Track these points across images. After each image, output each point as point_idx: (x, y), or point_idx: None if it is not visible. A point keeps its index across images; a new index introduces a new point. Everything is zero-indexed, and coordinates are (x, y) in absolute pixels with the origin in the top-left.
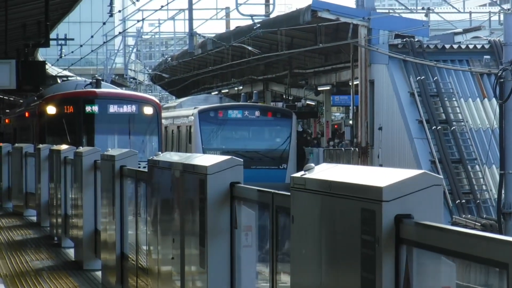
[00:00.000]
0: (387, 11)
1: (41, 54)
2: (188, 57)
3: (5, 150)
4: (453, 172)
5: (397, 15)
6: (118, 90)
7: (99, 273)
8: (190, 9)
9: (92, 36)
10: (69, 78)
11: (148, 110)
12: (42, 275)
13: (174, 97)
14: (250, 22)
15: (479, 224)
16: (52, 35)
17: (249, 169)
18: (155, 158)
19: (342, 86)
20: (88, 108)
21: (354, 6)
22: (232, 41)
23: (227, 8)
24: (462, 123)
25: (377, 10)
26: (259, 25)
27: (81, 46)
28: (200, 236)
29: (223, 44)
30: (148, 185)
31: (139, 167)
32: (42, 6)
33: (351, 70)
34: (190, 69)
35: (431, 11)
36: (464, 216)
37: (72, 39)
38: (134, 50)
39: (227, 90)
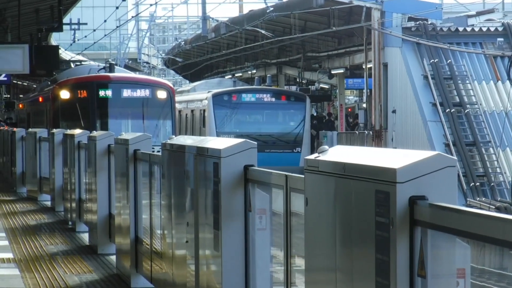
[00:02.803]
0: None
1: (54, 38)
2: (201, 41)
3: (19, 135)
4: (467, 155)
5: None
6: (132, 75)
7: (113, 257)
8: None
9: (105, 21)
10: (83, 63)
11: (161, 94)
12: (56, 260)
13: (187, 81)
14: (263, 5)
15: (494, 207)
16: (65, 19)
17: (263, 153)
18: (168, 141)
19: (355, 69)
20: (101, 93)
21: None
22: (245, 24)
23: None
24: (476, 106)
25: None
26: (272, 8)
27: (94, 30)
28: (214, 220)
29: (236, 27)
30: (162, 169)
31: (153, 151)
32: None
33: (365, 53)
34: (204, 53)
35: None
36: (478, 199)
37: (85, 24)
38: (148, 34)
39: (240, 74)
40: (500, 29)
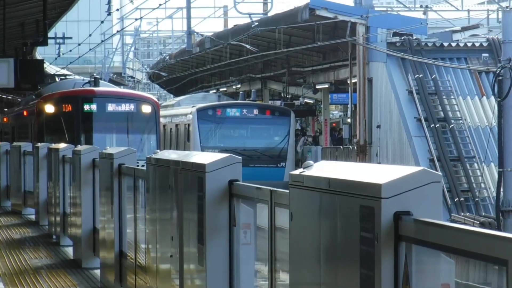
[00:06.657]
0: (385, 9)
1: (39, 52)
2: (186, 55)
3: (3, 149)
4: (451, 170)
5: (395, 13)
6: (116, 89)
7: (97, 272)
8: (188, 8)
9: (90, 35)
10: (67, 77)
11: (146, 109)
12: (40, 274)
13: (172, 96)
14: (248, 20)
15: (478, 222)
16: (50, 34)
17: (248, 168)
18: (153, 156)
19: (340, 84)
20: (86, 107)
21: (352, 4)
22: (230, 39)
23: (225, 7)
24: (461, 121)
25: (375, 8)
26: (257, 23)
27: (79, 44)
28: (198, 234)
29: (221, 42)
30: (147, 184)
31: (138, 166)
32: (40, 5)
33: (349, 68)
34: (188, 67)
35: (429, 9)
36: (462, 214)
37: (70, 38)
38: (132, 48)
39: (225, 89)
40: (485, 44)
